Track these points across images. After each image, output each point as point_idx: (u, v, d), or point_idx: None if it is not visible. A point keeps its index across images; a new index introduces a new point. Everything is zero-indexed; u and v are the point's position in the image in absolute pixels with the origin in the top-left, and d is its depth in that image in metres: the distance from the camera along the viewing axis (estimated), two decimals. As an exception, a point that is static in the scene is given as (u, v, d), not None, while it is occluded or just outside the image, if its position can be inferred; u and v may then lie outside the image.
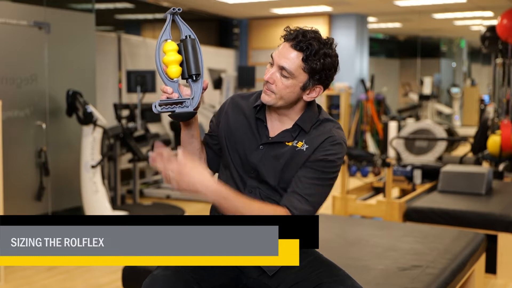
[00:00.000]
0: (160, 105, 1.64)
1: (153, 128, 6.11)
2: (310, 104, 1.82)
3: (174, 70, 1.65)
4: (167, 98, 1.65)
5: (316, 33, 1.72)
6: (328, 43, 1.72)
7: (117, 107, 5.50)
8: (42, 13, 4.49)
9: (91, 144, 4.46)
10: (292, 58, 1.70)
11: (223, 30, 10.19)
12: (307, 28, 1.73)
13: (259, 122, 1.83)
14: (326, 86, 1.78)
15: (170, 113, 1.65)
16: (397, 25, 11.22)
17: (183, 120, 1.70)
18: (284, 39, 1.74)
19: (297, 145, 1.77)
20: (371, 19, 10.00)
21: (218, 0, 7.91)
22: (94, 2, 5.05)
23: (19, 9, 4.39)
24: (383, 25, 11.40)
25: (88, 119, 4.43)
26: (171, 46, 1.64)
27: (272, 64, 1.75)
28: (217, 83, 6.90)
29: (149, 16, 9.05)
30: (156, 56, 1.64)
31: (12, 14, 4.29)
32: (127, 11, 8.91)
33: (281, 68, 1.72)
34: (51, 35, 4.53)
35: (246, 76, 7.01)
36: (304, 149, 1.76)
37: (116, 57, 6.94)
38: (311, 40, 1.69)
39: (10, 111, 4.26)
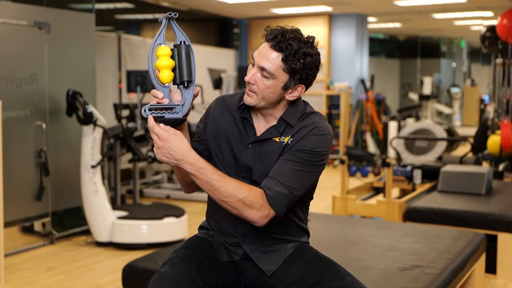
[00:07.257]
0: (149, 110, 1.63)
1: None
2: (295, 100, 1.82)
3: (166, 75, 1.64)
4: (157, 103, 1.64)
5: (296, 32, 1.71)
6: (309, 42, 1.71)
7: (117, 107, 5.49)
8: (42, 13, 4.48)
9: (91, 144, 4.46)
10: (272, 59, 1.70)
11: (223, 30, 10.20)
12: (287, 28, 1.72)
13: (245, 121, 1.83)
14: (308, 85, 1.77)
15: (159, 118, 1.64)
16: (397, 25, 11.21)
17: (172, 126, 1.68)
18: (264, 39, 1.74)
19: (284, 140, 1.77)
20: (371, 19, 9.99)
21: (218, 0, 7.91)
22: (94, 2, 5.04)
23: (19, 9, 4.39)
24: (383, 25, 11.40)
25: (88, 119, 4.43)
26: (164, 51, 1.64)
27: (253, 65, 1.75)
28: (217, 83, 6.89)
29: (149, 16, 9.06)
30: (148, 60, 1.64)
31: (12, 14, 4.29)
32: (127, 11, 8.91)
33: (262, 69, 1.72)
34: (51, 35, 4.53)
35: (246, 76, 7.00)
36: (289, 142, 1.76)
37: (116, 57, 6.94)
38: (290, 40, 1.68)
39: (10, 111, 4.25)
